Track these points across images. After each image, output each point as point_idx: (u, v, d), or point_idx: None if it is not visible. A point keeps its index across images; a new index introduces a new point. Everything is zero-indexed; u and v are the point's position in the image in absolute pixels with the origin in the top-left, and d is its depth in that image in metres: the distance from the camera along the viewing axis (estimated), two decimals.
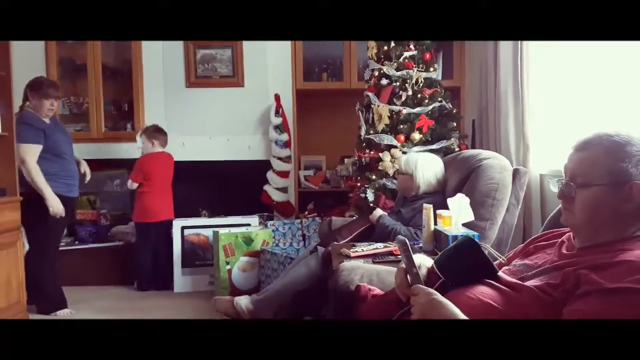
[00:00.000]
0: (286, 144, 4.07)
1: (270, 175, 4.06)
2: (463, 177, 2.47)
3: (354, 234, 2.61)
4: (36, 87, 3.11)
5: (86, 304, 3.33)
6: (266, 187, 4.06)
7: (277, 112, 4.02)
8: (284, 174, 4.08)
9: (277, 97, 4.02)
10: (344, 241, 2.55)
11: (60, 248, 3.74)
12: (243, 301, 2.63)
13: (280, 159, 4.07)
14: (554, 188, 1.23)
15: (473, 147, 3.56)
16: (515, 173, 2.41)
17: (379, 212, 2.62)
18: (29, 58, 3.82)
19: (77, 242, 3.87)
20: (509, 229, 2.39)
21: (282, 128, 4.03)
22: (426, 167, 2.58)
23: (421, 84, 3.18)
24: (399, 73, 3.19)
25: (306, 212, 4.09)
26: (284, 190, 4.10)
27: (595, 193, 1.09)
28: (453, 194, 2.14)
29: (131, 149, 4.02)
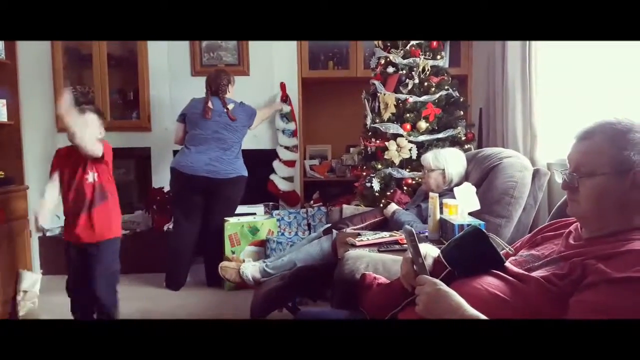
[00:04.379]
0: (293, 133, 4.05)
1: (276, 164, 4.06)
2: (483, 174, 2.46)
3: (366, 223, 2.61)
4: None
5: None
6: (272, 177, 4.06)
7: (283, 101, 3.99)
8: (290, 163, 4.07)
9: (282, 86, 4.00)
10: (354, 227, 2.55)
11: None
12: (249, 269, 2.61)
13: (287, 148, 4.05)
14: (558, 179, 1.22)
15: (480, 136, 3.54)
16: (535, 173, 2.38)
17: (393, 206, 2.61)
18: (35, 47, 3.81)
19: None
20: (524, 229, 2.34)
21: (289, 117, 4.01)
22: (455, 160, 2.58)
23: (428, 72, 3.15)
24: (405, 61, 3.16)
25: (311, 202, 4.09)
26: (290, 179, 4.09)
27: (599, 182, 1.08)
28: None
29: (137, 138, 4.03)
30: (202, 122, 3.35)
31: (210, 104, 3.35)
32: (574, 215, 1.18)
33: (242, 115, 3.43)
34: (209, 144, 3.34)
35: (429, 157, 2.61)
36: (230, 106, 3.40)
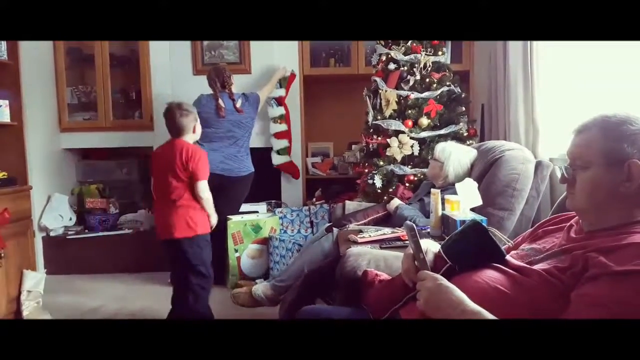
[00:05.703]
0: (279, 101, 3.91)
1: (272, 140, 3.99)
2: (485, 167, 2.45)
3: (369, 218, 2.61)
4: None
5: (100, 292, 3.37)
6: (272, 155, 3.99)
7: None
8: (280, 135, 3.96)
9: (292, 76, 3.97)
10: (357, 223, 2.55)
11: (70, 237, 3.80)
12: (260, 289, 2.62)
13: (274, 119, 3.92)
14: (559, 174, 1.22)
15: (482, 132, 3.53)
16: (538, 165, 2.38)
17: (396, 201, 2.61)
18: (37, 48, 3.82)
19: (87, 231, 3.91)
20: (527, 222, 2.34)
21: (282, 83, 3.93)
22: (459, 159, 2.57)
23: (429, 68, 3.14)
24: (406, 57, 3.16)
25: (314, 199, 4.09)
26: (283, 151, 3.99)
27: (594, 174, 1.09)
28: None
29: (140, 137, 4.04)
30: (216, 121, 3.37)
31: (221, 102, 3.37)
32: (572, 209, 1.18)
33: (249, 109, 3.47)
34: (223, 142, 3.39)
35: (438, 147, 2.67)
36: (239, 102, 3.43)
